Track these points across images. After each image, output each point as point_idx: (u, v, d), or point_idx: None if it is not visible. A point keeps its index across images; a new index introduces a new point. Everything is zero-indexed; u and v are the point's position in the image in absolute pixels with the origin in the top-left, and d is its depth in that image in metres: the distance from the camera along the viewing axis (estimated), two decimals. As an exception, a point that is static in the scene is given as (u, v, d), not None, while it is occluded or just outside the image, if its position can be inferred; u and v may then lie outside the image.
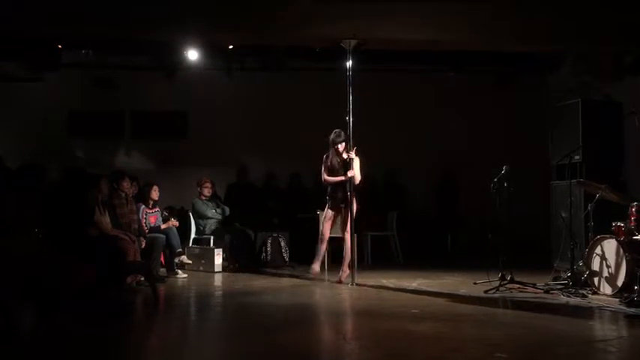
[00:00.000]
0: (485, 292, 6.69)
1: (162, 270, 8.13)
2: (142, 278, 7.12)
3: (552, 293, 6.65)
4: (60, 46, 9.47)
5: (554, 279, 7.22)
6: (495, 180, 7.00)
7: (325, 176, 7.61)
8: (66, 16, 7.36)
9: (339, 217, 7.61)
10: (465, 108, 10.82)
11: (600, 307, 5.93)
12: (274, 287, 7.50)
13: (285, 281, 7.99)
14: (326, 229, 7.63)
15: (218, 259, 8.67)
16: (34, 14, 7.26)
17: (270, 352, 4.45)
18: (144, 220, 8.08)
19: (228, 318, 5.96)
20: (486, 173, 7.19)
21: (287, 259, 9.26)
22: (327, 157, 7.63)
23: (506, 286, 6.79)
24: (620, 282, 6.22)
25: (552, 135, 8.29)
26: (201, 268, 8.63)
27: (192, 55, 9.61)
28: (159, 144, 10.92)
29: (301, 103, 10.44)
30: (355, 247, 7.55)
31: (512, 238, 7.01)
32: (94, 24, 7.54)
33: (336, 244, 8.73)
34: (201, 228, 9.04)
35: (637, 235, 6.26)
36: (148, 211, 8.23)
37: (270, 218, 9.96)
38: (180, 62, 9.97)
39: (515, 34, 7.81)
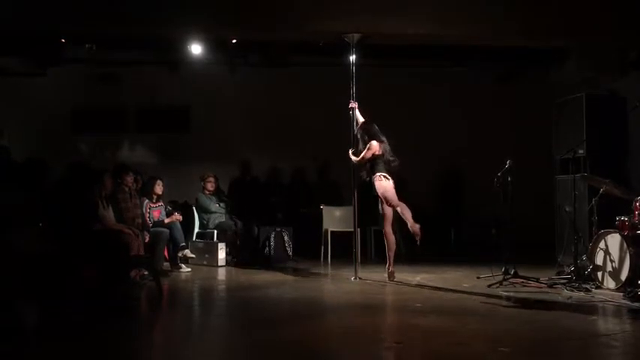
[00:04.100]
0: (489, 286, 6.68)
1: (166, 264, 8.15)
2: (146, 272, 7.12)
3: (556, 288, 6.64)
4: (63, 41, 9.48)
5: (558, 273, 7.22)
6: (499, 174, 6.99)
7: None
8: (68, 12, 7.36)
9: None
10: (469, 102, 10.79)
11: (604, 302, 5.92)
12: (278, 282, 7.51)
13: (289, 276, 8.00)
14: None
15: (221, 254, 8.68)
16: (36, 10, 7.27)
17: (274, 346, 4.46)
18: (147, 215, 8.10)
19: (232, 312, 5.97)
20: (490, 168, 7.18)
21: (290, 254, 9.26)
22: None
23: (509, 280, 6.79)
24: (623, 276, 6.21)
25: (556, 129, 8.27)
26: (204, 263, 8.64)
27: (196, 49, 9.61)
28: (162, 139, 10.93)
29: (305, 98, 10.43)
30: (359, 242, 7.55)
31: (516, 233, 7.01)
32: (97, 20, 7.53)
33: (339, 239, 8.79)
34: (205, 222, 9.06)
35: (641, 230, 6.25)
36: (152, 205, 8.25)
37: (274, 213, 9.96)
38: (183, 57, 9.97)
39: (520, 29, 7.79)
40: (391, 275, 7.15)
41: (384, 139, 7.20)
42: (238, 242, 8.88)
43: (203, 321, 5.68)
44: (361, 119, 7.40)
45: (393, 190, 7.11)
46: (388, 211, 7.15)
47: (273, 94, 10.59)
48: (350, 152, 7.36)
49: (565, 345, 4.49)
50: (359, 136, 7.27)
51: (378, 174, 7.10)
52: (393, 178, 7.17)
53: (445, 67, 10.72)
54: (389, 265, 7.20)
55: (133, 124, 11.05)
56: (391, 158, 7.19)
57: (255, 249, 9.08)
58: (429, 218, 10.56)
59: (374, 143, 7.11)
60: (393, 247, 7.21)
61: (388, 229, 7.17)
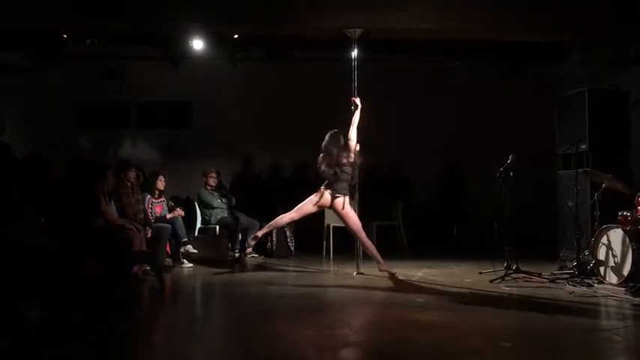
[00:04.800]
0: (491, 281, 6.69)
1: (168, 260, 8.15)
2: (148, 268, 7.14)
3: (558, 283, 6.64)
4: (65, 37, 9.47)
5: (560, 268, 7.21)
6: (501, 170, 6.98)
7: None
8: (69, 8, 7.37)
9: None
10: (471, 98, 10.78)
11: (606, 297, 5.93)
12: (280, 277, 7.53)
13: (291, 271, 8.00)
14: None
15: (224, 249, 8.67)
16: (37, 6, 7.27)
17: (277, 342, 4.47)
18: (149, 210, 8.10)
19: (234, 307, 5.97)
20: (492, 163, 7.17)
21: (292, 249, 9.28)
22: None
23: (511, 275, 6.79)
24: (625, 271, 6.21)
25: (559, 124, 8.26)
26: (206, 258, 8.65)
27: (197, 45, 9.61)
28: (164, 134, 10.93)
29: (306, 93, 10.41)
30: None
31: (518, 228, 7.00)
32: (98, 15, 7.53)
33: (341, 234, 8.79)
34: (207, 218, 9.06)
35: (643, 225, 6.24)
36: (154, 201, 8.25)
37: (276, 208, 9.95)
38: (184, 52, 9.97)
39: (522, 24, 7.78)
40: (390, 274, 7.15)
41: (333, 149, 7.18)
42: (240, 237, 8.88)
43: (205, 317, 5.69)
44: (357, 118, 7.37)
45: (308, 204, 7.26)
46: (355, 224, 7.20)
47: (275, 89, 10.58)
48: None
49: (567, 340, 4.50)
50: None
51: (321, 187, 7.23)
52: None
53: (447, 62, 10.71)
54: (379, 265, 7.21)
55: (135, 120, 11.05)
56: (322, 169, 7.22)
57: (258, 244, 9.10)
58: (431, 214, 10.63)
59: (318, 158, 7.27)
60: (373, 249, 7.26)
61: (363, 236, 7.24)
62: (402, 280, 7.01)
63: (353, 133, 7.20)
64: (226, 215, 9.03)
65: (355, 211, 7.34)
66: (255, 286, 6.88)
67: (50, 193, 6.31)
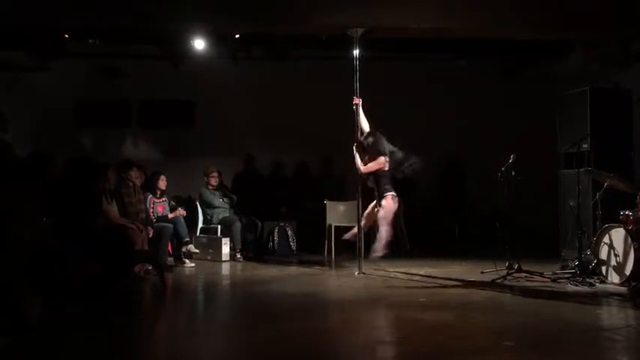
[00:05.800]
0: (493, 280, 6.68)
1: (170, 259, 8.15)
2: (150, 267, 7.14)
3: (560, 282, 6.64)
4: (66, 35, 9.47)
5: (562, 268, 7.20)
6: (503, 169, 6.97)
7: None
8: (70, 5, 7.36)
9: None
10: (473, 96, 10.76)
11: (608, 296, 5.91)
12: (281, 276, 7.52)
13: (293, 270, 8.00)
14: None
15: (225, 249, 8.69)
16: (38, 3, 7.27)
17: (278, 342, 4.46)
18: (151, 210, 8.10)
19: (236, 307, 5.98)
20: (494, 162, 7.16)
21: (294, 248, 9.27)
22: None
23: (513, 274, 6.78)
24: (627, 271, 6.20)
25: (560, 123, 8.25)
26: (208, 258, 8.65)
27: (199, 44, 9.60)
28: (165, 133, 10.93)
29: (308, 92, 10.40)
30: (362, 237, 7.54)
31: (520, 227, 6.99)
32: (99, 13, 7.53)
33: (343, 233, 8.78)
34: (209, 217, 9.06)
35: (645, 224, 6.24)
36: (156, 200, 8.24)
37: (278, 207, 9.96)
38: (186, 51, 9.96)
39: (523, 22, 7.77)
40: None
41: (388, 151, 7.26)
42: (241, 237, 8.88)
43: (207, 316, 5.69)
44: (362, 116, 7.39)
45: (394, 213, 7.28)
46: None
47: (276, 88, 10.57)
48: (355, 149, 7.35)
49: (569, 339, 4.49)
50: (368, 144, 7.29)
51: (390, 194, 7.17)
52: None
53: (448, 60, 10.69)
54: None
55: (136, 119, 11.04)
56: (406, 165, 7.30)
57: (259, 243, 9.12)
58: (432, 213, 10.62)
59: (382, 159, 7.19)
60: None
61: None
62: (403, 279, 6.99)
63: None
64: (228, 215, 9.03)
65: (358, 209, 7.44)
66: (256, 285, 6.87)
67: (51, 191, 6.31)
